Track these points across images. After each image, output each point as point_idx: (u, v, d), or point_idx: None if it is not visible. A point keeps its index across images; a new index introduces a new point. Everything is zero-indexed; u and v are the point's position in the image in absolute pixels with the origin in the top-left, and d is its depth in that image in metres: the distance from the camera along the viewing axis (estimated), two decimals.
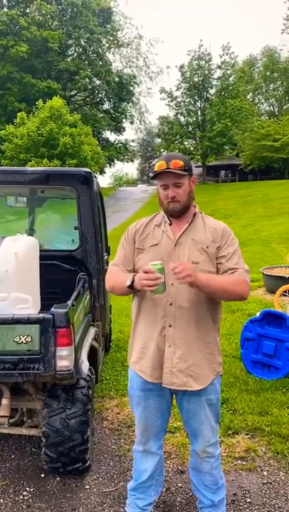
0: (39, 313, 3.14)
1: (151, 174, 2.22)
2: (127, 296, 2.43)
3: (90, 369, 2.93)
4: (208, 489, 2.30)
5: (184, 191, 2.12)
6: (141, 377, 2.19)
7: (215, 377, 2.18)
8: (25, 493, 2.81)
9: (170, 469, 3.01)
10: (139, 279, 1.99)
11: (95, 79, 43.36)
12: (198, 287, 2.00)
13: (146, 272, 1.95)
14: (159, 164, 2.10)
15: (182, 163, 2.08)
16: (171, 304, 2.09)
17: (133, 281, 2.03)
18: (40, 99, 29.13)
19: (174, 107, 42.02)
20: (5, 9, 36.79)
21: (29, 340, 2.54)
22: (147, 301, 2.15)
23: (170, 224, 2.19)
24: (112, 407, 3.83)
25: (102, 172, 42.44)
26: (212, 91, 41.96)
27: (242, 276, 2.09)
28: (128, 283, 2.04)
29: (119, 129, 46.68)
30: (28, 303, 2.99)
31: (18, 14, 35.80)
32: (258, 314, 4.50)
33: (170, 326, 2.09)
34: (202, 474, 2.29)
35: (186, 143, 42.85)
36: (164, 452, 3.07)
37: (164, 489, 2.78)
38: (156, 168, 2.11)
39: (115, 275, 2.21)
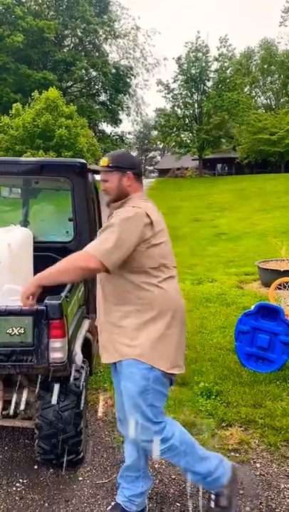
0: None
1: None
2: None
3: (83, 361, 2.92)
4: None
5: (111, 186, 2.31)
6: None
7: (121, 359, 2.23)
8: (18, 484, 2.81)
9: (163, 461, 3.01)
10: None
11: (91, 70, 43.02)
12: (44, 284, 2.25)
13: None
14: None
15: (108, 161, 2.30)
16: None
17: None
18: (36, 90, 28.92)
19: (171, 99, 41.75)
20: None
21: (22, 332, 2.52)
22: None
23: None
24: (106, 399, 3.82)
25: (98, 164, 42.16)
26: (209, 83, 41.69)
27: (82, 252, 2.22)
28: None
29: (115, 121, 46.44)
30: None
31: (14, 3, 35.45)
32: (252, 307, 4.49)
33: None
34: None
35: (182, 135, 42.66)
36: None
37: (158, 481, 2.79)
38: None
39: None
